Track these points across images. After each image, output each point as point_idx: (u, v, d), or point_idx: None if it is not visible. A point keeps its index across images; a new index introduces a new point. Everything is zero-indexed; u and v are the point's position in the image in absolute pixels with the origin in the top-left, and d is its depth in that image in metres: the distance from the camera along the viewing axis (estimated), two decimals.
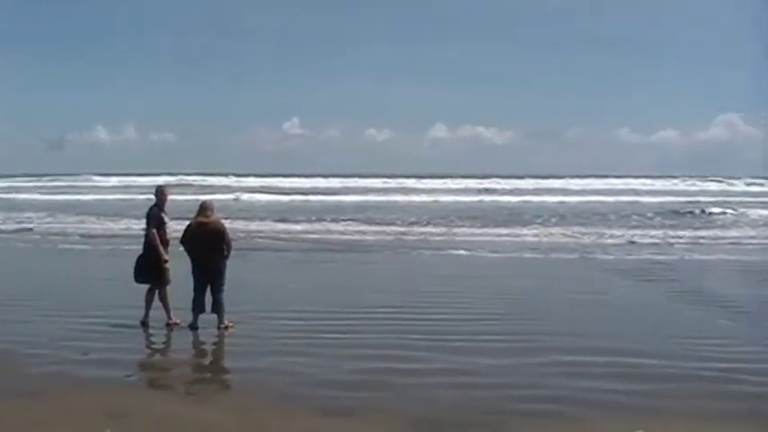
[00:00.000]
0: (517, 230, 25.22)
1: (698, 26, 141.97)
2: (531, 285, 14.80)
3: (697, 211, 33.59)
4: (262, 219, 28.67)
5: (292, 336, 9.99)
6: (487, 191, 50.78)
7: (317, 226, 26.64)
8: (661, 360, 8.86)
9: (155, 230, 10.39)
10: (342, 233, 24.54)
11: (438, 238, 22.87)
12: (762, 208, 34.17)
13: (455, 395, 7.52)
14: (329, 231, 25.11)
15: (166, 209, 10.67)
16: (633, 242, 22.44)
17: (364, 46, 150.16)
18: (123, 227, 25.51)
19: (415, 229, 25.74)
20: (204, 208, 10.53)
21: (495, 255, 19.41)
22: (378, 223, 27.42)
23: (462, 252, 19.72)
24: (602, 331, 10.54)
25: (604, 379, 8.08)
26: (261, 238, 22.68)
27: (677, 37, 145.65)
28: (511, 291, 13.95)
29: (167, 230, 10.53)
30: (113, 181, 62.06)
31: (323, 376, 8.17)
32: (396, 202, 41.11)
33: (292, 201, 40.31)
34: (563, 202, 40.47)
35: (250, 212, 31.70)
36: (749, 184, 60.48)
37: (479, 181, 59.39)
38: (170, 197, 10.87)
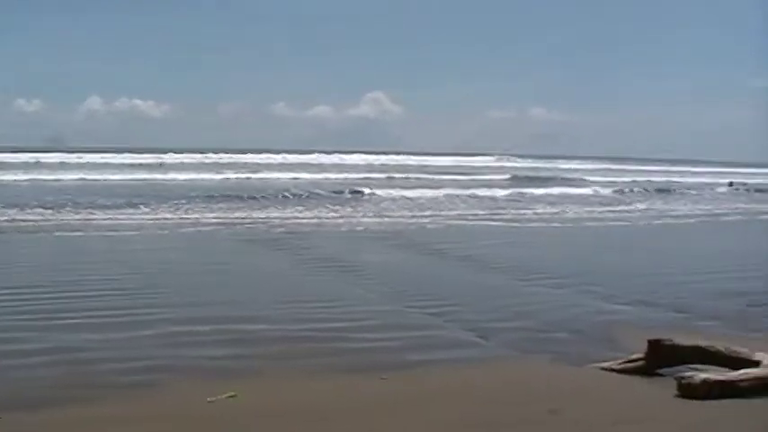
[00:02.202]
0: (163, 209, 24.03)
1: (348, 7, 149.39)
2: (159, 260, 14.80)
3: (347, 187, 34.46)
4: None
5: None
6: (143, 166, 49.14)
7: None
8: (271, 324, 9.29)
9: None
10: None
11: (76, 220, 21.52)
12: (404, 187, 35.91)
13: (57, 373, 7.33)
14: None
15: None
16: (278, 217, 23.04)
17: (10, 14, 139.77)
18: None
19: (51, 212, 22.89)
20: None
21: (133, 233, 18.86)
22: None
23: (95, 233, 18.83)
24: (218, 300, 10.75)
25: (211, 346, 8.30)
26: None
27: (329, 14, 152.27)
28: (135, 267, 13.78)
29: None
30: None
31: None
32: (43, 180, 38.06)
33: None
34: (214, 179, 40.50)
35: None
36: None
37: (136, 156, 57.35)
38: None
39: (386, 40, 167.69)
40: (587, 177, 47.77)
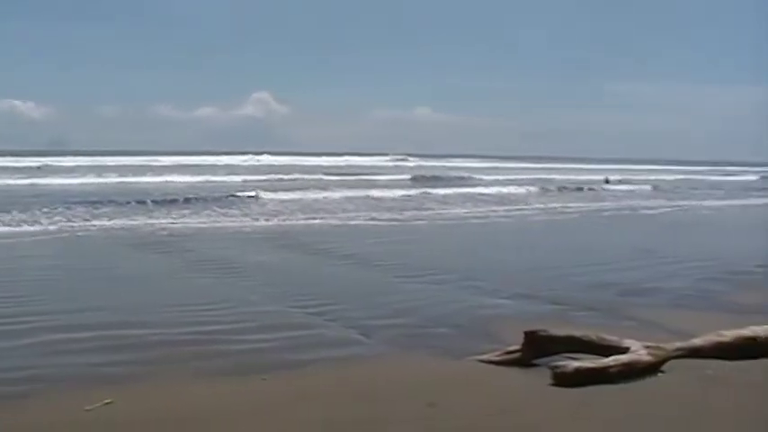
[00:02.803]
0: (41, 215, 22.54)
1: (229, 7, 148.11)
2: (37, 267, 14.30)
3: (234, 188, 33.79)
4: None
5: None
6: (21, 170, 47.29)
7: None
8: (152, 329, 9.10)
9: None
10: None
11: None
12: (293, 189, 35.22)
13: None
14: None
15: None
16: (163, 221, 22.58)
17: None
18: None
19: None
20: None
21: (9, 240, 17.82)
22: None
23: None
24: (100, 306, 10.49)
25: (91, 353, 8.11)
26: None
27: (209, 14, 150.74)
28: (11, 275, 13.31)
29: None
30: None
31: None
32: None
33: None
34: (95, 182, 39.33)
35: None
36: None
37: (13, 159, 55.27)
38: None
39: (269, 40, 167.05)
40: (482, 176, 48.80)
